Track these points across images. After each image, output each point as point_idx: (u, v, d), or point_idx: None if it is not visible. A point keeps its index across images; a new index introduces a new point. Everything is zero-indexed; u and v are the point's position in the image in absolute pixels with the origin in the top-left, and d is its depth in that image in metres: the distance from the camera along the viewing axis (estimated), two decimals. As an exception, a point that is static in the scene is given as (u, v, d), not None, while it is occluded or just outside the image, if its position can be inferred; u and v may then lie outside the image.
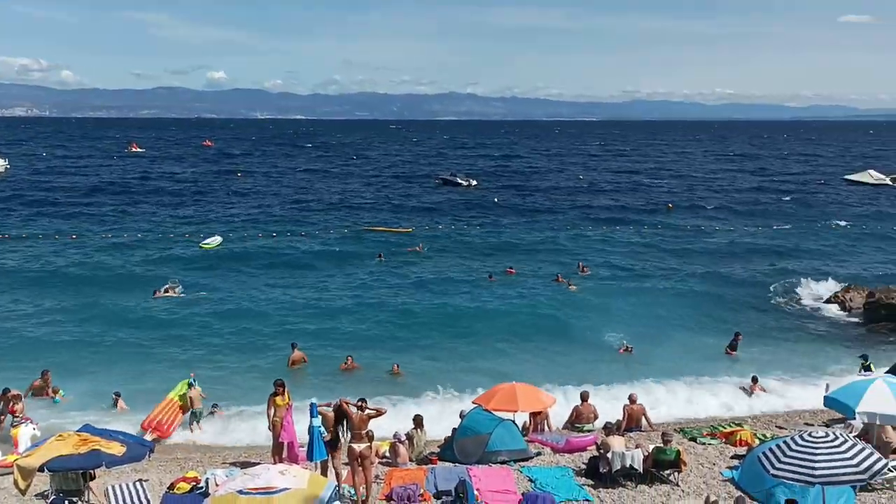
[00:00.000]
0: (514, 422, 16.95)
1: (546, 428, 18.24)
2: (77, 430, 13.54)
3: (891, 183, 78.57)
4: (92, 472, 13.43)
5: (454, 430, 16.72)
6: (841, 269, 38.65)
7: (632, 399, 18.92)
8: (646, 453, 14.73)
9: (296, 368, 23.51)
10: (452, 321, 29.06)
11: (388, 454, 16.35)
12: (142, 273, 36.18)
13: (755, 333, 27.43)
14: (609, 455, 14.63)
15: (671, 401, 20.95)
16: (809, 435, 12.89)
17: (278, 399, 15.58)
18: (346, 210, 58.67)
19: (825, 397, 15.94)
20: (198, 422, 19.14)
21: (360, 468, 13.49)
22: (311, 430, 14.04)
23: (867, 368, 20.46)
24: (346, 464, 14.04)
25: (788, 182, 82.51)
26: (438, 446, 16.94)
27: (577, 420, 18.81)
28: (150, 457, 14.12)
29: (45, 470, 12.67)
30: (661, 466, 14.76)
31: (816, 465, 12.08)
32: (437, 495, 14.01)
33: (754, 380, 21.66)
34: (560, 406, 19.07)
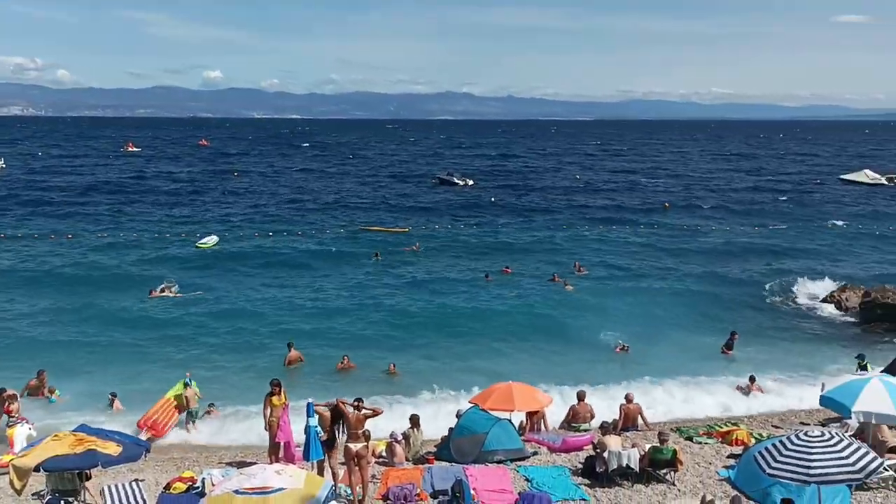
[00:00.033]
0: (510, 421, 16.95)
1: (542, 427, 18.24)
2: (73, 430, 13.51)
3: (886, 182, 78.77)
4: (88, 472, 13.41)
5: (451, 429, 16.70)
6: (837, 268, 38.70)
7: (628, 398, 18.94)
8: (642, 453, 14.74)
9: (292, 368, 23.51)
10: (449, 321, 29.06)
11: (384, 454, 16.33)
12: (138, 273, 36.10)
13: (751, 333, 27.46)
14: (605, 454, 14.64)
15: (667, 400, 20.99)
16: (805, 434, 12.92)
17: (275, 399, 15.56)
18: (343, 210, 58.64)
19: (821, 396, 15.96)
20: (193, 421, 19.11)
21: (357, 468, 13.47)
22: (307, 429, 14.04)
23: (864, 368, 20.50)
24: (343, 463, 14.02)
25: (785, 181, 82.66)
26: (435, 446, 16.93)
27: (574, 419, 18.82)
28: (146, 457, 14.09)
29: (41, 470, 12.64)
30: (657, 466, 14.77)
31: (812, 464, 12.11)
32: (434, 495, 13.99)
33: (752, 379, 21.68)
34: (556, 405, 19.10)
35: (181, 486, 14.27)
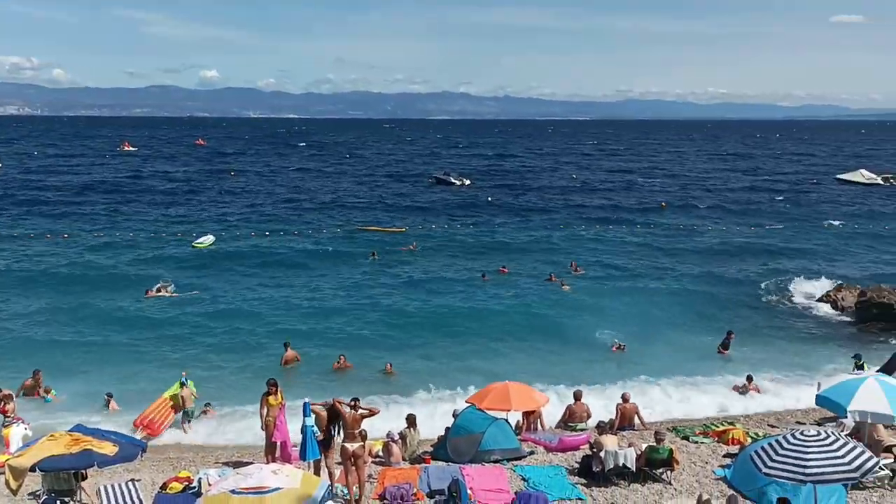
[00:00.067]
0: (507, 421, 16.95)
1: (539, 427, 18.24)
2: (69, 430, 13.48)
3: (882, 182, 78.90)
4: (84, 471, 13.38)
5: (447, 429, 16.70)
6: (833, 268, 38.76)
7: (624, 398, 18.95)
8: (638, 452, 14.76)
9: (289, 368, 23.50)
10: (445, 320, 29.06)
11: (381, 453, 16.33)
12: (134, 272, 36.04)
13: (747, 332, 27.49)
14: (602, 454, 14.65)
15: (664, 399, 21.01)
16: (801, 433, 12.91)
17: (271, 398, 15.56)
18: (339, 209, 58.58)
19: (817, 396, 15.97)
20: (189, 421, 19.09)
21: (354, 467, 13.46)
22: (303, 429, 14.02)
23: (860, 368, 20.53)
24: (339, 463, 14.01)
25: (781, 181, 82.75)
26: (431, 445, 16.94)
27: (570, 419, 18.84)
28: (142, 456, 14.04)
29: (37, 470, 12.60)
30: (653, 465, 14.79)
31: (808, 463, 12.09)
32: (431, 494, 13.99)
33: (749, 379, 21.71)
34: (553, 405, 19.14)
35: (177, 486, 14.26)
